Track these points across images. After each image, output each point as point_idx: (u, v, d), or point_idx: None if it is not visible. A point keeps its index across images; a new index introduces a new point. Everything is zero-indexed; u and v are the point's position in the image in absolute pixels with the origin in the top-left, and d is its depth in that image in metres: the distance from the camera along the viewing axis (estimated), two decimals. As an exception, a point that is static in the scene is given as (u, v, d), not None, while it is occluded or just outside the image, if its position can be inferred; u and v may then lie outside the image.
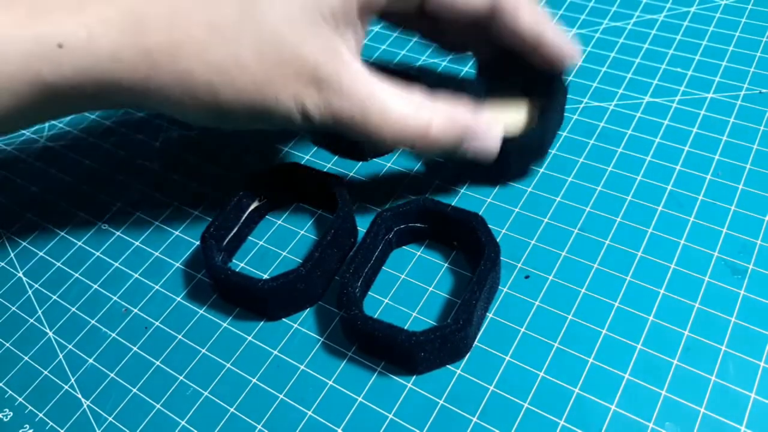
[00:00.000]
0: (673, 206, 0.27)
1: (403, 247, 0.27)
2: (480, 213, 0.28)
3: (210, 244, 0.26)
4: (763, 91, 0.31)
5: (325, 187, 0.28)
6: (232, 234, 0.27)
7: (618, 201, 0.28)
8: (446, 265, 0.27)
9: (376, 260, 0.26)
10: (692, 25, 0.35)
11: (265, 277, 0.26)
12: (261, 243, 0.28)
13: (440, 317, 0.25)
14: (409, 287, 0.26)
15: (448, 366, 0.24)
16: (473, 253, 0.26)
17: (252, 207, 0.28)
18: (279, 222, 0.29)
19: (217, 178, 0.31)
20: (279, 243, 0.28)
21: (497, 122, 0.26)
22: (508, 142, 0.26)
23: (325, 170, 0.29)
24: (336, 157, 0.31)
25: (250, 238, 0.29)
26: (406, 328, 0.23)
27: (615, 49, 0.35)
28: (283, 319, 0.26)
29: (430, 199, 0.26)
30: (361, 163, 0.31)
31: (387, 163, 0.31)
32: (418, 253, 0.27)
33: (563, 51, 0.27)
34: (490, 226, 0.26)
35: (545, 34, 0.26)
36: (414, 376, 0.24)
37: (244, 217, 0.28)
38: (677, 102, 0.32)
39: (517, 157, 0.28)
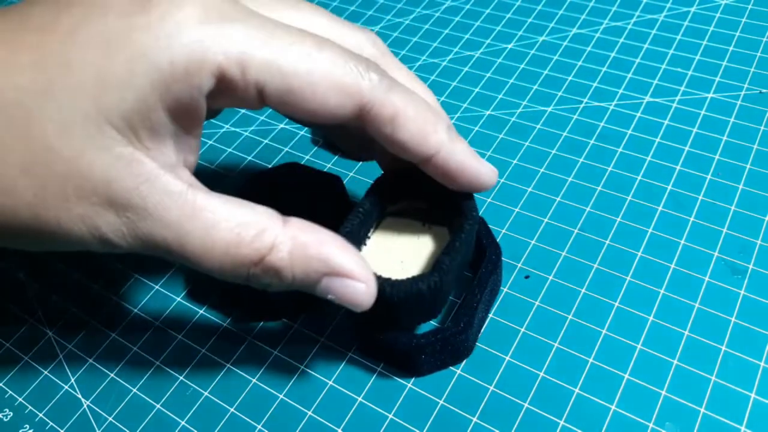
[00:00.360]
0: (673, 206, 0.27)
1: None
2: (480, 213, 0.28)
3: None
4: (764, 91, 0.31)
5: (324, 186, 0.28)
6: None
7: (618, 201, 0.28)
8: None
9: (369, 226, 0.25)
10: (692, 25, 0.35)
11: None
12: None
13: (441, 319, 0.25)
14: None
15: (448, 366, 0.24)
16: (475, 254, 0.25)
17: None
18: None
19: (216, 178, 0.32)
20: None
21: (364, 277, 0.20)
22: (391, 289, 0.21)
23: (325, 170, 0.29)
24: (335, 156, 0.31)
25: None
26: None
27: (615, 49, 0.35)
28: (283, 319, 0.26)
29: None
30: (361, 163, 0.31)
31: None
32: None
33: (469, 174, 0.21)
34: (490, 226, 0.26)
35: (439, 154, 0.20)
36: (414, 377, 0.24)
37: None
38: (677, 102, 0.32)
39: (404, 309, 0.22)
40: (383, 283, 0.21)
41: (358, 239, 0.23)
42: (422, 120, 0.20)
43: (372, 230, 0.25)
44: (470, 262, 0.25)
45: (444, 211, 0.24)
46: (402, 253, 0.24)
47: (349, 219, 0.22)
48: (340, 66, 0.19)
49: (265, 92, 0.18)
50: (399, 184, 0.24)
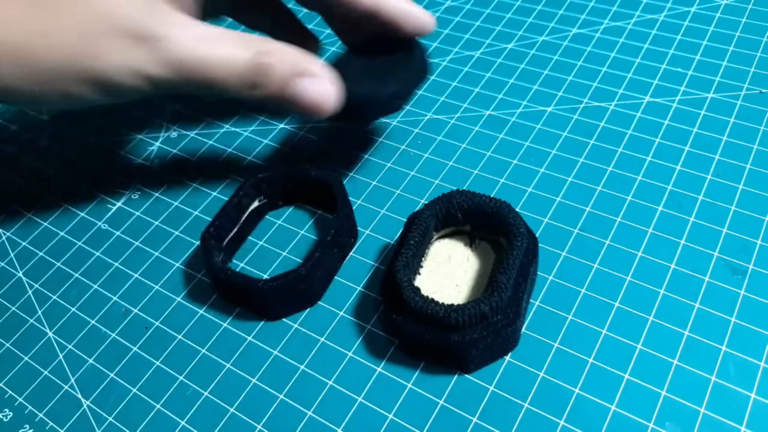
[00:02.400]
0: (673, 206, 0.27)
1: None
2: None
3: (210, 244, 0.26)
4: (764, 91, 0.31)
5: (324, 188, 0.28)
6: (232, 234, 0.27)
7: (618, 201, 0.28)
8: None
9: (422, 255, 0.26)
10: (692, 24, 0.35)
11: (265, 277, 0.26)
12: (261, 243, 0.28)
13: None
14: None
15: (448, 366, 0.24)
16: (503, 242, 0.25)
17: (252, 207, 0.28)
18: (279, 222, 0.29)
19: (217, 179, 0.32)
20: (279, 243, 0.28)
21: (328, 76, 0.25)
22: (456, 314, 0.22)
23: (324, 171, 0.29)
24: (334, 157, 0.31)
25: (250, 238, 0.29)
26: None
27: (615, 49, 0.35)
28: (283, 319, 0.26)
29: (462, 191, 0.26)
30: (360, 164, 0.31)
31: (388, 163, 0.31)
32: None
33: (409, 18, 0.26)
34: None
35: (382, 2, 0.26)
36: (415, 377, 0.24)
37: (244, 217, 0.28)
38: (677, 102, 0.32)
39: (367, 108, 0.26)
40: (447, 311, 0.22)
41: (412, 270, 0.24)
42: None
43: (424, 258, 0.26)
44: (535, 282, 0.26)
45: (488, 229, 0.25)
46: (455, 277, 0.25)
47: (402, 253, 0.24)
48: None
49: None
50: (443, 212, 0.26)
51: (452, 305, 0.22)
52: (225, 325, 0.26)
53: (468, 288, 0.25)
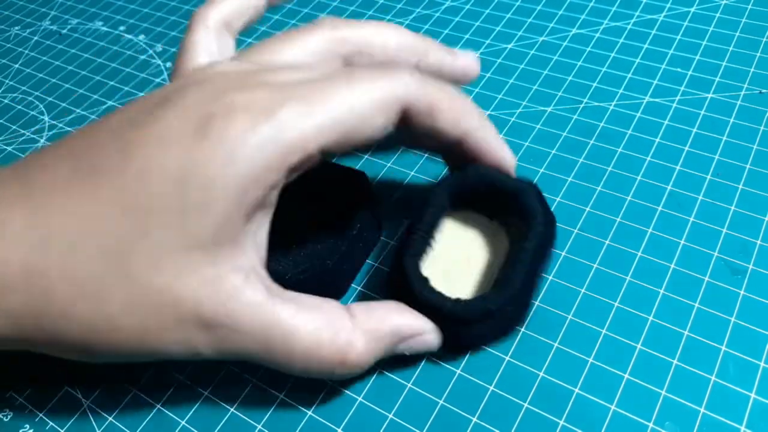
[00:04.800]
0: (673, 206, 0.27)
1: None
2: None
3: None
4: (763, 91, 0.31)
5: (349, 182, 0.27)
6: None
7: (618, 201, 0.28)
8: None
9: (431, 236, 0.25)
10: (692, 25, 0.35)
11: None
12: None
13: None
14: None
15: (447, 366, 0.24)
16: (521, 223, 0.24)
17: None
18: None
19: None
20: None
21: (430, 327, 0.22)
22: (462, 309, 0.22)
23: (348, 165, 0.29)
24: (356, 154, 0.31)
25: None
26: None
27: (615, 49, 0.35)
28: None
29: (481, 168, 0.24)
30: (360, 164, 0.31)
31: (387, 164, 0.31)
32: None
33: (495, 154, 0.24)
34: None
35: (470, 135, 0.23)
36: (415, 377, 0.24)
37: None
38: (677, 102, 0.32)
39: (478, 326, 0.23)
40: (453, 306, 0.22)
41: (422, 252, 0.24)
42: (455, 106, 0.22)
43: (435, 240, 0.25)
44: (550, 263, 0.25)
45: (505, 210, 0.25)
46: (469, 261, 0.25)
47: (411, 237, 0.23)
48: (376, 84, 0.21)
49: (328, 149, 0.20)
50: (458, 191, 0.25)
51: (459, 300, 0.22)
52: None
53: (480, 273, 0.24)
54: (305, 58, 0.23)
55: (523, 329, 0.24)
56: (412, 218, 0.24)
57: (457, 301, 0.22)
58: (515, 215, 0.24)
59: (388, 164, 0.31)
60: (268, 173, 0.19)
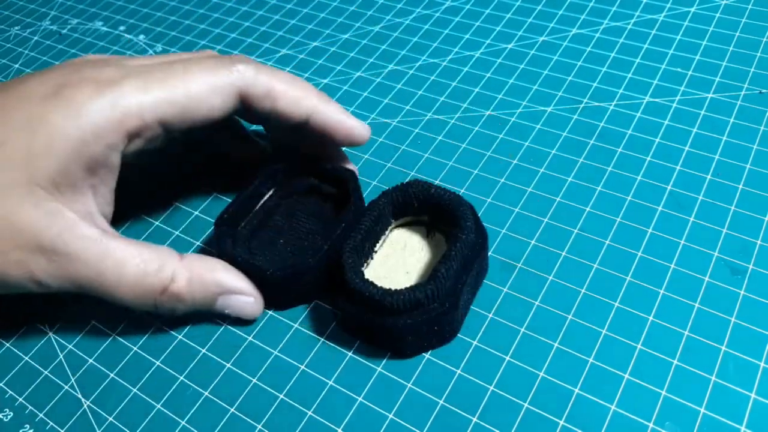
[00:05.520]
0: (673, 206, 0.27)
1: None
2: (479, 213, 0.28)
3: (223, 231, 0.26)
4: (763, 91, 0.31)
5: (338, 181, 0.28)
6: (245, 222, 0.27)
7: (618, 201, 0.28)
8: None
9: (375, 241, 0.26)
10: (692, 25, 0.35)
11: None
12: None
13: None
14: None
15: (447, 366, 0.24)
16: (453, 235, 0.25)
17: (267, 196, 0.28)
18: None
19: (218, 179, 0.31)
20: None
21: (251, 291, 0.25)
22: (391, 298, 0.22)
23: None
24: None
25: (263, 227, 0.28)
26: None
27: (615, 49, 0.35)
28: (284, 319, 0.26)
29: (419, 181, 0.26)
30: (360, 164, 0.31)
31: (388, 163, 0.31)
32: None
33: (343, 129, 0.26)
34: (489, 225, 0.26)
35: (314, 115, 0.26)
36: (414, 377, 0.24)
37: (258, 206, 0.28)
38: (677, 102, 0.32)
39: (408, 325, 0.23)
40: (383, 294, 0.22)
41: (362, 253, 0.25)
42: (292, 89, 0.25)
43: (379, 244, 0.26)
44: (485, 277, 0.26)
45: (444, 222, 0.26)
46: (407, 264, 0.26)
47: (352, 235, 0.24)
48: (210, 72, 0.24)
49: (166, 122, 0.23)
50: (400, 201, 0.26)
51: (389, 290, 0.23)
52: (225, 324, 0.26)
53: (417, 276, 0.25)
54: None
55: (523, 330, 0.24)
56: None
57: (387, 290, 0.23)
58: (451, 225, 0.25)
59: (388, 164, 0.31)
60: (107, 132, 0.22)
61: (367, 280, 0.23)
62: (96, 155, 0.22)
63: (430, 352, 0.24)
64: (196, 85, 0.24)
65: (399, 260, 0.26)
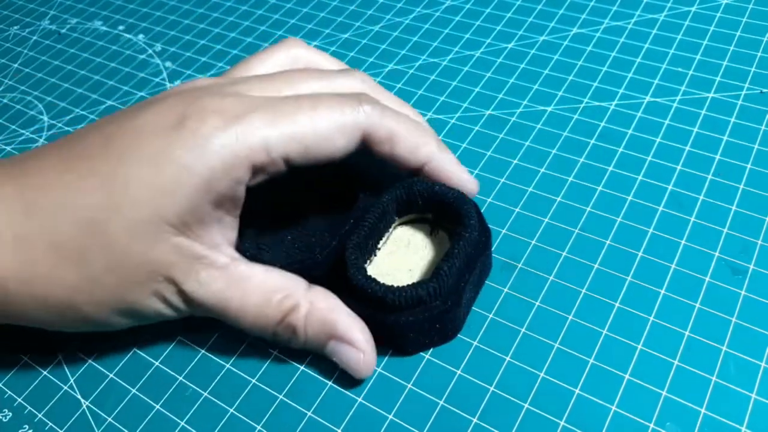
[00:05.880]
0: (674, 206, 0.27)
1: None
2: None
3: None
4: (765, 90, 0.31)
5: (348, 177, 0.28)
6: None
7: (618, 201, 0.28)
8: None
9: (379, 238, 0.26)
10: (693, 24, 0.35)
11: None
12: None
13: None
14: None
15: (447, 366, 0.24)
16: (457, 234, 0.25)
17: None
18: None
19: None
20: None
21: (370, 342, 0.23)
22: (393, 295, 0.22)
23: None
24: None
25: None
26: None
27: (615, 48, 0.35)
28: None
29: (420, 180, 0.26)
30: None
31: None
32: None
33: (455, 182, 0.26)
34: (490, 225, 0.26)
35: (431, 163, 0.25)
36: (415, 377, 0.24)
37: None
38: (678, 102, 0.31)
39: (410, 322, 0.23)
40: (385, 290, 0.22)
41: (366, 251, 0.25)
42: (413, 136, 0.25)
43: (383, 241, 0.26)
44: (488, 275, 0.26)
45: (448, 219, 0.26)
46: (410, 262, 0.26)
47: (356, 232, 0.24)
48: (338, 111, 0.23)
49: (290, 159, 0.23)
50: (404, 198, 0.26)
51: (392, 286, 0.23)
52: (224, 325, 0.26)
53: (420, 274, 0.25)
54: (273, 69, 0.26)
55: (523, 330, 0.24)
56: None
57: (390, 287, 0.23)
58: (455, 223, 0.25)
59: (388, 164, 0.31)
60: (234, 168, 0.22)
61: (370, 276, 0.23)
62: (223, 190, 0.22)
63: (430, 352, 0.24)
64: (324, 124, 0.23)
65: (402, 258, 0.26)
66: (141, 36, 0.41)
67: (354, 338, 0.23)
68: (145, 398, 0.24)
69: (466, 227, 0.24)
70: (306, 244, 0.26)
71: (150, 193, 0.21)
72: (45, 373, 0.25)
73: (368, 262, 0.25)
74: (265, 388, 0.24)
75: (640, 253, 0.26)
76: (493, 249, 0.27)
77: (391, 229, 0.27)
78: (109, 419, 0.24)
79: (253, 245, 0.26)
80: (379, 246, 0.26)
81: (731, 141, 0.29)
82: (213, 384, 0.24)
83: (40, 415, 0.24)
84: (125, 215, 0.21)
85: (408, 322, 0.22)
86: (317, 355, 0.24)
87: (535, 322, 0.24)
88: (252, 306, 0.23)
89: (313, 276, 0.25)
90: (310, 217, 0.27)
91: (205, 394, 0.24)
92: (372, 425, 0.23)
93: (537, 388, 0.23)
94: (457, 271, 0.23)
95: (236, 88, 0.24)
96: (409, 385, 0.23)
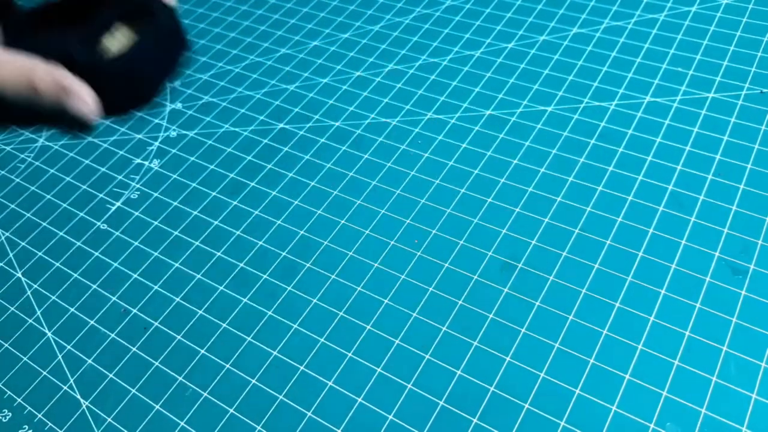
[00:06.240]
0: (674, 206, 0.27)
1: None
2: (479, 213, 0.28)
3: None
4: (764, 90, 0.31)
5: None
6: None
7: (618, 201, 0.28)
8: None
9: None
10: (693, 24, 0.35)
11: None
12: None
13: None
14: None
15: (447, 366, 0.24)
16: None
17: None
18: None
19: (217, 179, 0.31)
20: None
21: (92, 94, 0.24)
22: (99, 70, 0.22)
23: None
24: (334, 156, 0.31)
25: None
26: None
27: (616, 48, 0.35)
28: (284, 320, 0.26)
29: None
30: (360, 164, 0.31)
31: (387, 163, 0.31)
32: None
33: None
34: (491, 225, 0.26)
35: None
36: (415, 377, 0.24)
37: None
38: (678, 102, 0.31)
39: (114, 86, 0.23)
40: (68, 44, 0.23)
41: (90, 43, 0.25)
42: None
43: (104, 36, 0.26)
44: (177, 51, 0.26)
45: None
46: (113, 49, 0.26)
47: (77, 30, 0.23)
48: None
49: None
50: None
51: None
52: (224, 325, 0.26)
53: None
54: None
55: (523, 330, 0.24)
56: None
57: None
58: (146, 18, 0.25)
59: (388, 164, 0.31)
60: None
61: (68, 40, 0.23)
62: None
63: (431, 352, 0.24)
64: None
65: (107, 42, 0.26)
66: (141, 36, 0.41)
67: (81, 90, 0.23)
68: (145, 398, 0.24)
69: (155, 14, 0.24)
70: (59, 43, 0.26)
71: None
72: (45, 373, 0.25)
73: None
74: (265, 388, 0.24)
75: (640, 253, 0.26)
76: (493, 249, 0.27)
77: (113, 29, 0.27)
78: (109, 419, 0.24)
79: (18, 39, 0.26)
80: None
81: (731, 141, 0.29)
82: (213, 384, 0.24)
83: (39, 415, 0.24)
84: None
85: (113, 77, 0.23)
86: (56, 119, 0.25)
87: (535, 322, 0.24)
88: (11, 72, 0.22)
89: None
90: (116, 22, 0.27)
91: (205, 394, 0.24)
92: (372, 425, 0.23)
93: (537, 388, 0.23)
94: (102, 24, 0.23)
95: None
96: (409, 385, 0.23)
